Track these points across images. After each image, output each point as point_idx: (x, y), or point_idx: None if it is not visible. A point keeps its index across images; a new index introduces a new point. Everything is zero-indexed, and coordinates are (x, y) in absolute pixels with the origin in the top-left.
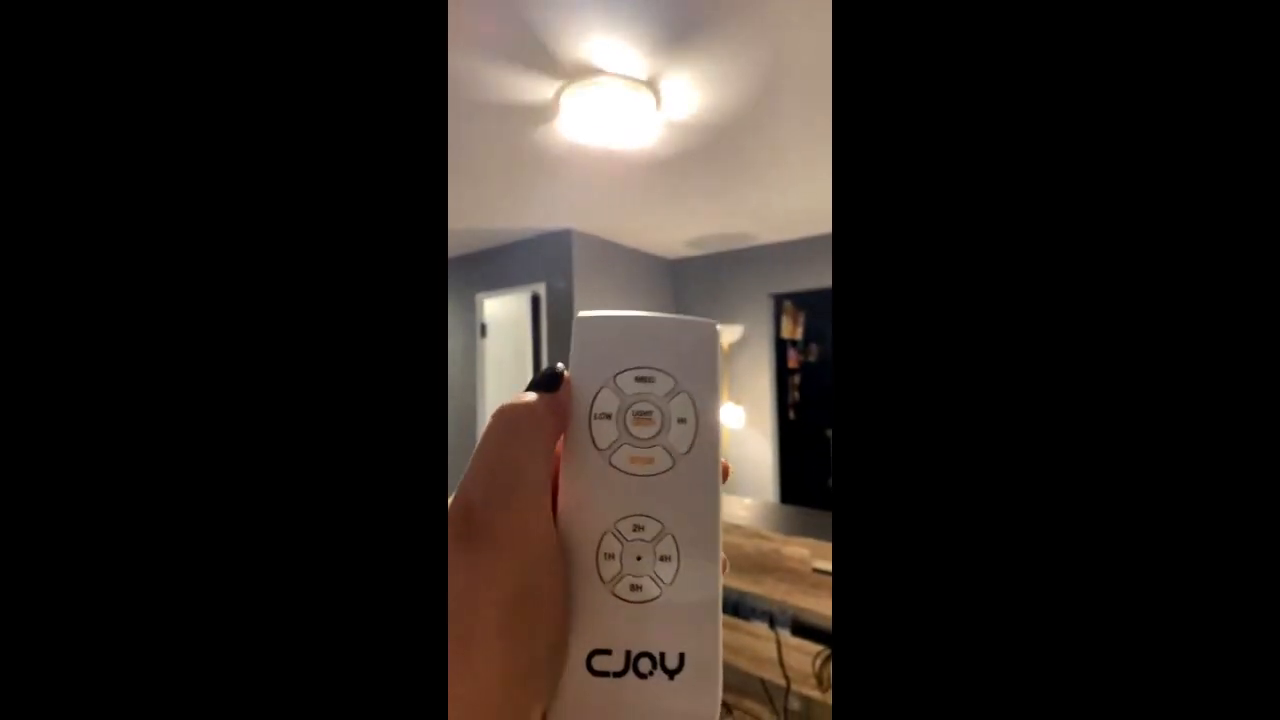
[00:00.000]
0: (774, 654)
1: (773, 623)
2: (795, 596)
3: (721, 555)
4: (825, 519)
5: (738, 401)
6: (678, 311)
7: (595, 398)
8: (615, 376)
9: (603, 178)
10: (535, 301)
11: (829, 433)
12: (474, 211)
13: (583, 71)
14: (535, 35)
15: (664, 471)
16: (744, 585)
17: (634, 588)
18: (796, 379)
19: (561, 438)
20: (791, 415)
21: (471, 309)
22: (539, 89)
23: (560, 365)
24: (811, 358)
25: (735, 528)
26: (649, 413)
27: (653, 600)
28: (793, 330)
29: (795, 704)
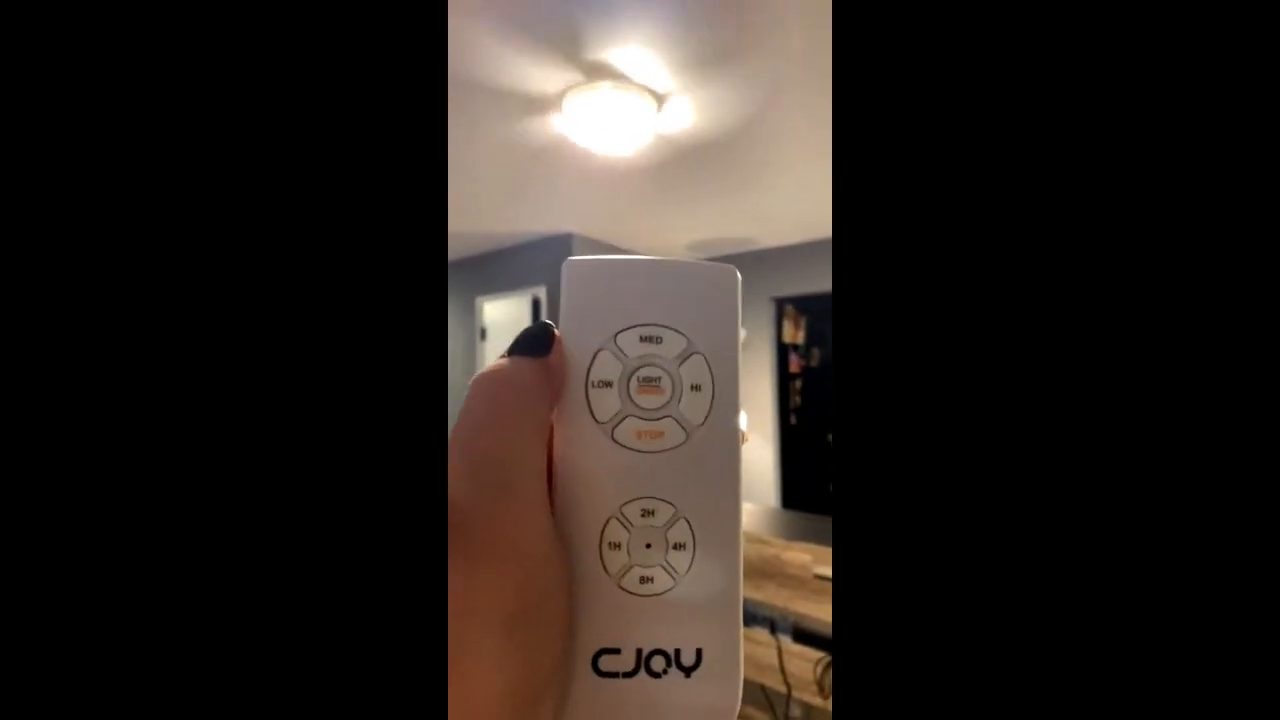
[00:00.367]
0: (775, 661)
1: (774, 629)
2: (796, 602)
3: (742, 540)
4: (827, 524)
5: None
6: None
7: (592, 362)
8: (616, 336)
9: (604, 181)
10: (536, 305)
11: (830, 437)
12: (474, 214)
13: (598, 72)
14: (564, 22)
15: (676, 447)
16: (745, 591)
17: (644, 580)
18: (798, 383)
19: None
20: (793, 420)
21: (472, 312)
22: (539, 95)
23: (549, 322)
24: (813, 362)
25: None
26: (657, 379)
27: (665, 593)
28: (794, 334)
29: (796, 711)
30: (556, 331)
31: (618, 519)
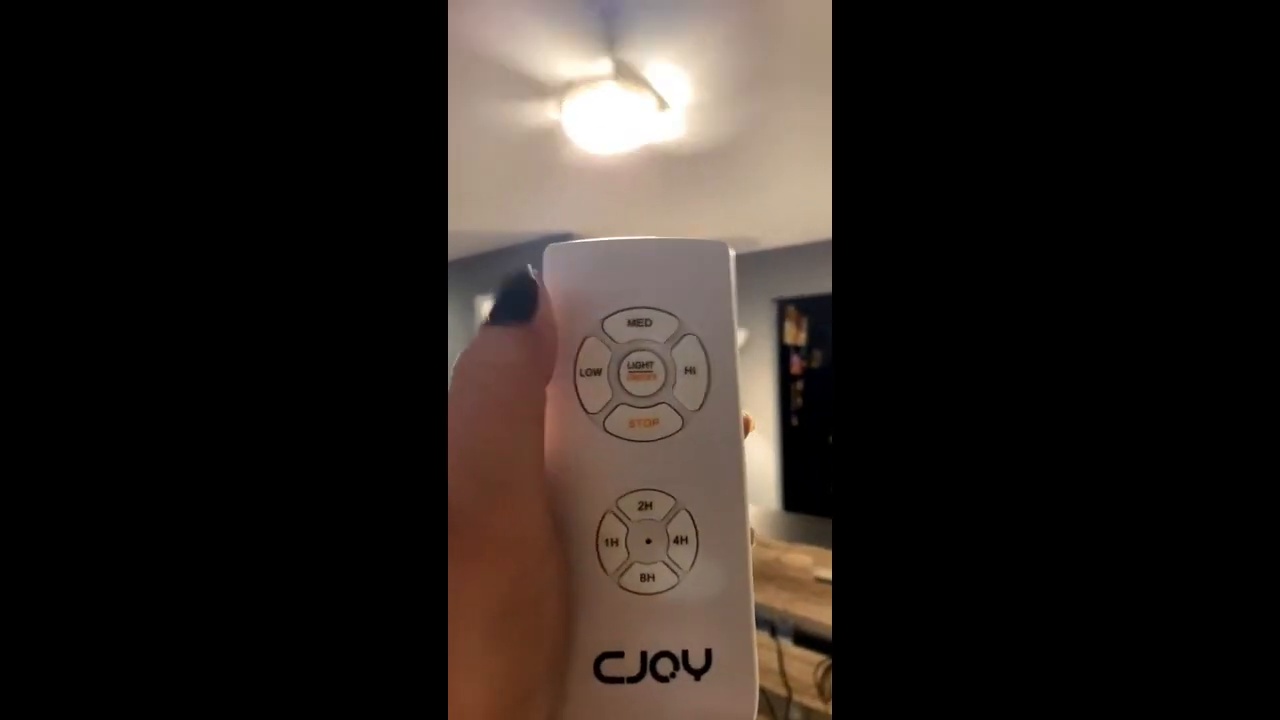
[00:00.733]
0: (775, 664)
1: (774, 632)
2: (797, 605)
3: (750, 528)
4: (828, 526)
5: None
6: None
7: (579, 350)
8: (603, 321)
9: (603, 181)
10: None
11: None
12: (473, 215)
13: (578, 79)
14: (567, 20)
15: (672, 434)
16: None
17: (645, 578)
18: (799, 385)
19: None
20: (794, 421)
21: (471, 312)
22: (538, 97)
23: (531, 269)
24: (815, 364)
25: None
26: (648, 364)
27: (669, 591)
28: (796, 336)
29: (796, 715)
30: (539, 284)
31: (614, 514)
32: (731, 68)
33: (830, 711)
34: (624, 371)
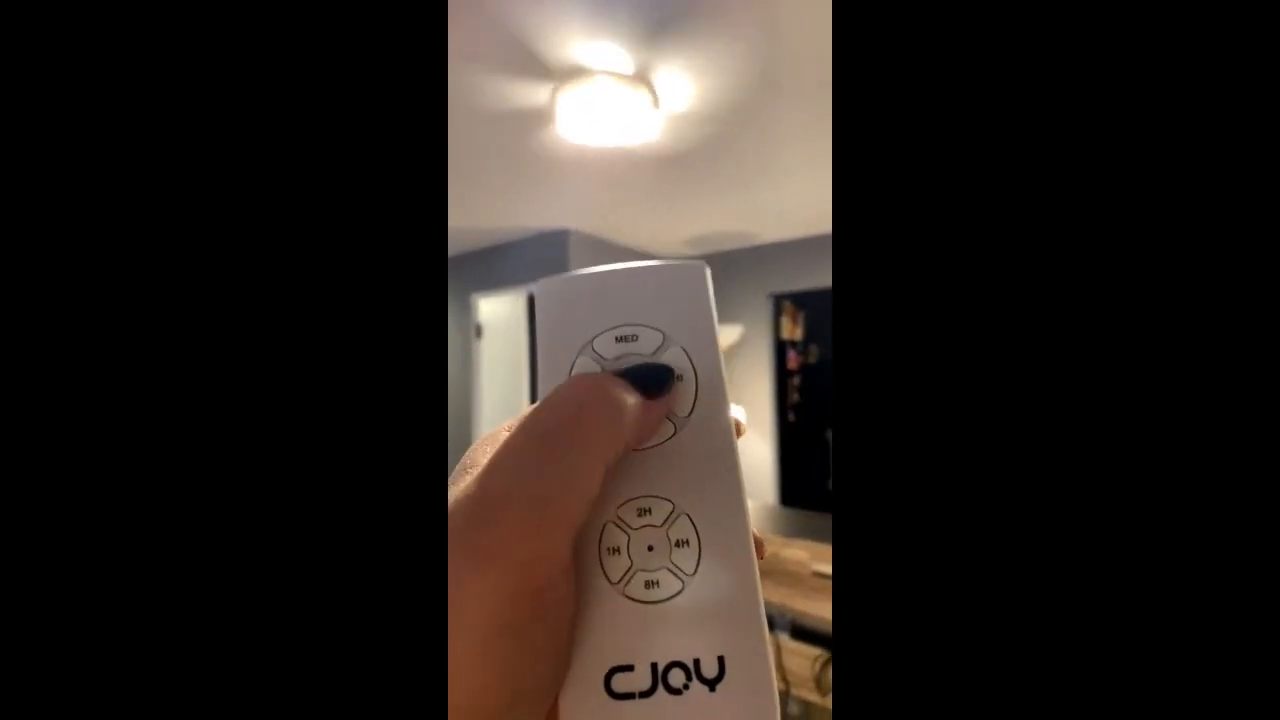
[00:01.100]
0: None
1: (771, 626)
2: (795, 600)
3: (754, 529)
4: (825, 521)
5: (736, 403)
6: None
7: (571, 369)
8: (592, 341)
9: (600, 177)
10: (532, 302)
11: (829, 434)
12: (470, 210)
13: (574, 73)
14: (523, 43)
15: (665, 441)
16: None
17: (649, 585)
18: (796, 380)
19: None
20: (791, 417)
21: (467, 309)
22: (534, 93)
23: (672, 368)
24: (812, 359)
25: None
26: None
27: (675, 597)
28: (793, 331)
29: (794, 709)
30: (679, 376)
31: (614, 522)
32: (730, 65)
33: (828, 705)
34: None
